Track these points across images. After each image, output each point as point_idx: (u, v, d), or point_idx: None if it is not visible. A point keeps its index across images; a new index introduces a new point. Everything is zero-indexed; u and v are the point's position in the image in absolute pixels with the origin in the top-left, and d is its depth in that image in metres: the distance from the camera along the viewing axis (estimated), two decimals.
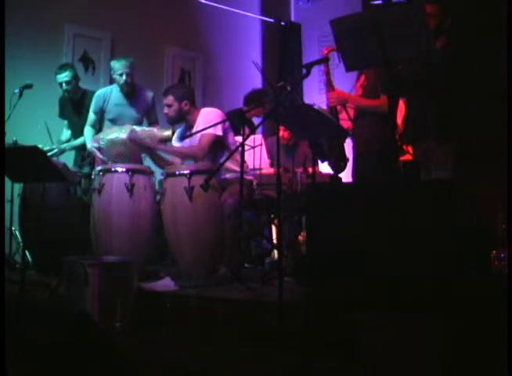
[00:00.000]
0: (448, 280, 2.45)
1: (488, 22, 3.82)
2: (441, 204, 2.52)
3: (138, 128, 4.15)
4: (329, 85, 3.91)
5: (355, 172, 3.92)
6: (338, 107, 3.93)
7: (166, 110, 4.25)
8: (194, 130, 4.12)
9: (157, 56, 6.13)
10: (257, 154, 4.47)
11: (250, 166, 4.41)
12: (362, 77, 3.87)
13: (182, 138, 4.29)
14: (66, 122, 5.02)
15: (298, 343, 2.56)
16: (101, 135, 4.16)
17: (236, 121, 4.54)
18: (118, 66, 4.54)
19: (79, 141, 4.79)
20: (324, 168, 4.47)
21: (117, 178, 3.83)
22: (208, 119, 4.08)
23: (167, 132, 4.16)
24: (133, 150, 4.07)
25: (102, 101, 4.61)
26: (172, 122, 4.32)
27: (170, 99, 4.23)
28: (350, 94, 3.89)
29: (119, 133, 4.06)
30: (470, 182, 3.27)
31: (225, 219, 3.84)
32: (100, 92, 4.66)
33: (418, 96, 3.50)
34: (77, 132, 4.86)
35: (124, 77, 4.51)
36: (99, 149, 4.12)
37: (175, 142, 4.39)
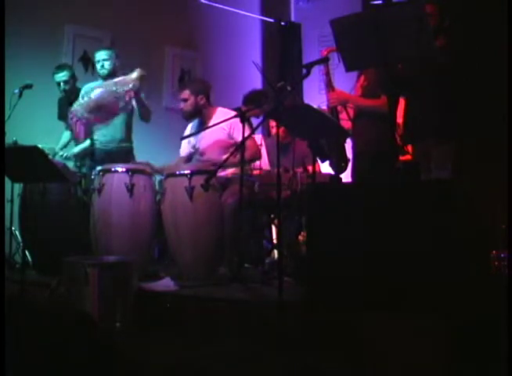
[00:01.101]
0: (448, 280, 2.45)
1: (487, 21, 3.82)
2: (441, 204, 2.52)
3: (110, 83, 4.15)
4: (330, 86, 3.92)
5: (355, 172, 3.92)
6: (338, 107, 3.93)
7: (182, 105, 4.27)
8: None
9: (157, 56, 6.13)
10: None
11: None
12: (362, 78, 3.88)
13: (195, 133, 4.29)
14: (65, 123, 5.01)
15: (298, 343, 2.56)
16: (76, 103, 4.15)
17: None
18: (95, 55, 4.66)
19: (88, 143, 4.79)
20: (325, 167, 4.47)
21: (117, 178, 3.83)
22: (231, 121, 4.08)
23: (135, 73, 4.11)
24: (109, 102, 4.06)
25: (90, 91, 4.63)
26: (188, 117, 4.33)
27: (186, 93, 4.25)
28: (350, 94, 3.89)
29: (90, 94, 4.06)
30: (470, 182, 3.27)
31: (225, 219, 3.84)
32: (90, 84, 4.69)
33: (418, 96, 3.50)
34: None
35: (97, 64, 4.62)
36: (77, 120, 4.12)
37: (184, 143, 4.41)
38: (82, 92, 4.49)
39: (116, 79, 4.17)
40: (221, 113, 4.21)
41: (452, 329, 2.32)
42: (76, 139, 4.90)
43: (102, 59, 4.56)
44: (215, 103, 4.47)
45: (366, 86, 3.83)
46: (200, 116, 4.30)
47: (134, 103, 4.32)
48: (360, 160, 3.87)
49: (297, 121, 3.29)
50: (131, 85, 4.06)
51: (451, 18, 3.45)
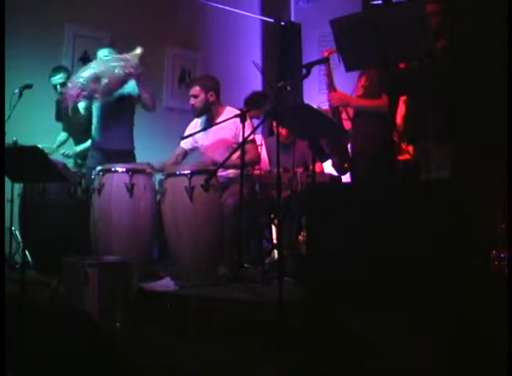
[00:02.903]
0: (448, 280, 2.45)
1: (488, 21, 3.82)
2: (441, 204, 2.52)
3: (110, 58, 4.12)
4: (331, 86, 3.92)
5: (354, 172, 3.92)
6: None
7: (192, 101, 4.26)
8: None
9: (157, 56, 6.13)
10: None
11: None
12: (363, 78, 3.87)
13: (201, 130, 4.28)
14: (62, 124, 5.02)
15: (298, 343, 2.56)
16: (75, 77, 4.07)
17: None
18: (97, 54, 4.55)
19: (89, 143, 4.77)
20: (329, 168, 4.47)
21: (117, 178, 3.82)
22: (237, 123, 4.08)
23: (136, 51, 4.12)
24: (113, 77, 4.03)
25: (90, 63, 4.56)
26: (199, 114, 4.33)
27: (196, 89, 4.25)
28: (351, 96, 3.89)
29: (94, 69, 4.02)
30: (470, 182, 3.27)
31: (225, 219, 3.84)
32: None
33: (418, 96, 3.50)
34: (72, 132, 4.88)
35: None
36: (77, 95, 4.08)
37: (185, 142, 4.41)
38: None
39: (116, 55, 4.15)
40: (229, 113, 4.19)
41: (452, 329, 2.32)
42: (74, 136, 4.91)
43: (104, 56, 4.51)
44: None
45: (368, 86, 3.83)
46: (209, 113, 4.30)
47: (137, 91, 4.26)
48: (359, 159, 3.86)
49: (297, 121, 3.29)
50: (126, 63, 4.04)
51: (452, 18, 3.45)
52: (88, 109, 4.40)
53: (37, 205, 4.06)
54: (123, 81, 4.09)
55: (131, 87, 4.27)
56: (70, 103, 4.12)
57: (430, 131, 3.40)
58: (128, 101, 4.31)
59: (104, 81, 3.99)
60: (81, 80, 3.99)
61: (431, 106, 3.39)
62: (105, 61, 4.09)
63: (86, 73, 4.02)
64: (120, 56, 4.14)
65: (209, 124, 4.24)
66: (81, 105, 4.33)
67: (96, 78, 3.99)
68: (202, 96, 4.23)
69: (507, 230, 3.17)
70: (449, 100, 3.36)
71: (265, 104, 4.70)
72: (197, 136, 4.35)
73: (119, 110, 4.32)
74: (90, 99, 4.16)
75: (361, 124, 3.82)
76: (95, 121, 4.42)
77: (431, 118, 3.38)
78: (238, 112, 4.05)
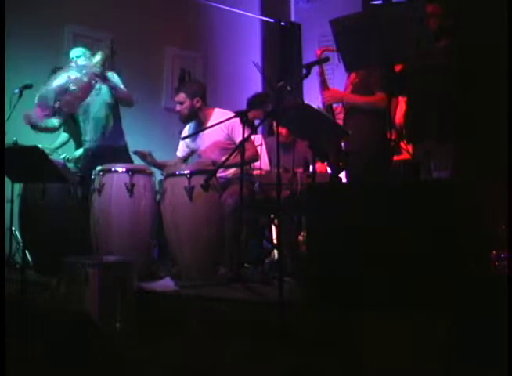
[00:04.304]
0: (448, 280, 2.45)
1: (489, 21, 3.82)
2: (441, 204, 2.52)
3: (73, 66, 4.12)
4: (324, 85, 3.91)
5: (348, 171, 3.92)
6: (339, 108, 3.93)
7: (178, 108, 4.27)
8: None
9: (157, 56, 6.13)
10: None
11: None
12: (353, 75, 3.86)
13: (194, 134, 4.29)
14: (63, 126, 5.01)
15: (298, 343, 2.56)
16: (42, 95, 4.09)
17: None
18: (70, 53, 4.57)
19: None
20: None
21: (117, 178, 3.83)
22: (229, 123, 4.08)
23: (97, 56, 4.14)
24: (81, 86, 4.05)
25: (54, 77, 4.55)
26: (185, 120, 4.33)
27: (181, 96, 4.25)
28: (345, 92, 3.88)
29: (59, 81, 4.03)
30: (470, 182, 3.27)
31: (225, 219, 3.84)
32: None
33: (419, 96, 3.50)
34: (73, 134, 4.87)
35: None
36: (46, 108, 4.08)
37: (181, 143, 4.41)
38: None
39: (79, 62, 4.15)
40: (218, 114, 4.20)
41: (451, 329, 2.32)
42: (75, 139, 4.91)
43: (76, 56, 4.45)
44: (215, 102, 4.47)
45: (357, 83, 3.81)
46: (197, 118, 4.30)
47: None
48: (354, 158, 3.85)
49: (298, 121, 3.29)
50: (88, 69, 4.05)
51: (454, 17, 3.45)
52: (66, 122, 4.50)
53: (37, 205, 4.06)
54: (88, 88, 4.12)
55: (105, 94, 4.35)
56: (38, 120, 4.18)
57: (430, 131, 3.40)
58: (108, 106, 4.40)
59: (73, 90, 4.01)
60: (49, 95, 4.02)
61: (432, 105, 3.39)
62: (67, 71, 4.10)
63: (52, 87, 4.04)
64: (80, 63, 4.16)
65: (200, 129, 4.24)
66: (55, 121, 4.38)
67: (64, 90, 4.01)
68: (187, 103, 4.23)
69: (507, 230, 3.17)
70: (450, 100, 3.36)
71: (267, 105, 4.70)
72: (189, 143, 4.36)
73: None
74: (65, 113, 4.20)
75: (353, 123, 3.81)
76: (81, 124, 4.44)
77: (432, 118, 3.38)
78: (227, 112, 4.08)
